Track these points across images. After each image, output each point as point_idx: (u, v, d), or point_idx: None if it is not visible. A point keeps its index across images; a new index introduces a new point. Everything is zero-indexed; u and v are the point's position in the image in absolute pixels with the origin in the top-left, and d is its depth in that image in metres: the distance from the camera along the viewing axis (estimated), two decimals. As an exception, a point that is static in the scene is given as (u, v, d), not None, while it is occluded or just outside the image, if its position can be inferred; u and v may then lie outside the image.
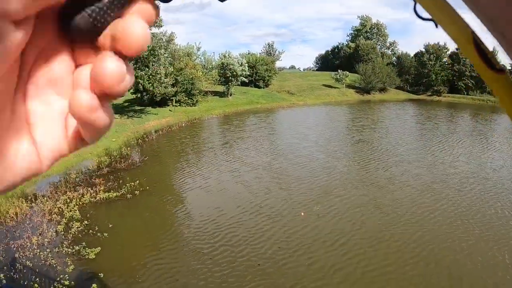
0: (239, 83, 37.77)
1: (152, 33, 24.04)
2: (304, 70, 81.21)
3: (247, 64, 39.20)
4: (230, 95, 35.92)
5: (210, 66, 36.27)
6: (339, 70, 48.54)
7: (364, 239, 8.62)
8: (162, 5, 0.28)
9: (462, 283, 7.14)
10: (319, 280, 7.08)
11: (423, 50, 59.35)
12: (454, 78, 58.34)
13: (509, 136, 23.97)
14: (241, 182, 12.50)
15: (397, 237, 8.78)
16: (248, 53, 48.46)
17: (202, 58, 37.62)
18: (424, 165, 15.50)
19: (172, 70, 26.92)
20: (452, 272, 7.47)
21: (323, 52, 78.64)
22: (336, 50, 72.75)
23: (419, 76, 57.03)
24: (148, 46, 0.23)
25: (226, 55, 37.78)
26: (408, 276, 7.32)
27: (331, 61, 70.97)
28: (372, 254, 8.00)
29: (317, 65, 78.84)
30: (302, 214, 9.01)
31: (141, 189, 11.64)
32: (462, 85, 58.40)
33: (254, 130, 21.51)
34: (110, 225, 9.15)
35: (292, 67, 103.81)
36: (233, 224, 9.32)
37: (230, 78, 35.56)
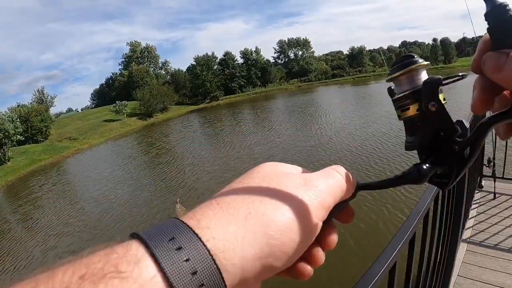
0: (15, 143, 30.90)
1: None
2: (82, 110, 74.79)
3: (18, 120, 32.69)
4: (8, 160, 28.35)
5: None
6: (117, 102, 46.08)
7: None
8: None
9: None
10: None
11: (194, 63, 62.47)
12: (227, 81, 63.95)
13: (279, 113, 29.39)
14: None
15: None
16: (18, 106, 41.96)
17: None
18: (216, 163, 15.32)
19: None
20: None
21: (98, 86, 74.52)
22: (110, 81, 69.78)
23: (195, 88, 59.78)
24: None
25: (-9, 114, 30.46)
26: None
27: (107, 94, 67.44)
28: None
29: (94, 102, 73.87)
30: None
31: None
32: (236, 85, 64.50)
33: (44, 193, 16.97)
34: None
35: (69, 109, 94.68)
36: None
37: (3, 140, 28.63)
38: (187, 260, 0.26)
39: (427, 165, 0.41)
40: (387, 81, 0.45)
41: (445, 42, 68.64)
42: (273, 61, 78.37)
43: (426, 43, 77.40)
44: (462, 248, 3.29)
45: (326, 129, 18.73)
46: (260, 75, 69.16)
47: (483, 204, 4.00)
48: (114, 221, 10.30)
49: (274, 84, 70.10)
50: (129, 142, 29.99)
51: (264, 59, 72.47)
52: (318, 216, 0.34)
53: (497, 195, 4.07)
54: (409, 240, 1.24)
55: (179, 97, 57.55)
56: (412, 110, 0.43)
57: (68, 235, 9.98)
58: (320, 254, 0.37)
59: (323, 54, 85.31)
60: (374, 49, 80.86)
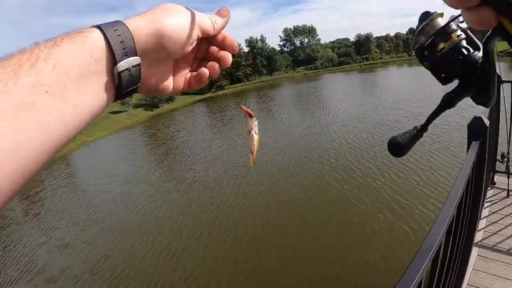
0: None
1: None
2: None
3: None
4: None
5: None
6: (121, 92, 45.65)
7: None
8: None
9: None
10: None
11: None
12: (232, 70, 62.90)
13: (280, 102, 29.00)
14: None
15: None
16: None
17: None
18: (211, 154, 14.90)
19: None
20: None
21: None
22: (114, 73, 69.48)
23: (200, 77, 59.07)
24: None
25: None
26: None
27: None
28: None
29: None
30: None
31: None
32: (241, 74, 63.99)
33: (45, 188, 16.52)
34: None
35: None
36: None
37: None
38: (118, 33, 0.43)
39: (465, 87, 0.56)
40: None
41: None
42: (279, 49, 77.40)
43: (434, 29, 75.20)
44: (473, 253, 2.90)
45: (323, 118, 18.44)
46: (266, 63, 68.48)
47: (496, 203, 3.59)
48: (109, 213, 10.06)
49: (280, 72, 69.42)
50: (133, 134, 29.68)
51: (270, 47, 71.71)
52: (194, 29, 0.51)
53: (510, 193, 3.67)
54: (432, 258, 1.13)
55: (183, 87, 56.93)
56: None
57: (59, 229, 9.76)
58: (215, 66, 0.58)
59: (330, 42, 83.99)
60: (381, 36, 79.55)
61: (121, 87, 0.45)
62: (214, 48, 0.59)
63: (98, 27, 0.43)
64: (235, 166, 12.06)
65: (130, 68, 0.45)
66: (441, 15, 0.57)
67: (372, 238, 6.23)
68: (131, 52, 0.44)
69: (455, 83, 0.59)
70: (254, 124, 0.76)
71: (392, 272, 5.15)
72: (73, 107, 0.38)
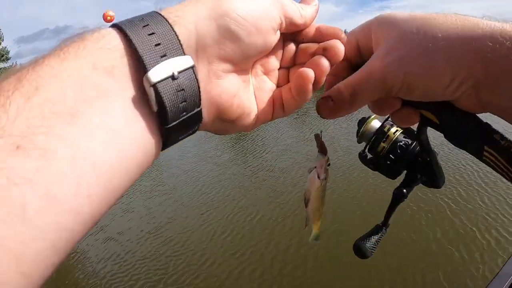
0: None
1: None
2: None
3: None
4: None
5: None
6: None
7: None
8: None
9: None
10: None
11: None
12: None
13: None
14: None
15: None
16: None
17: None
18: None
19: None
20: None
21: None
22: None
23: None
24: None
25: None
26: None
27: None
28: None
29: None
30: None
31: None
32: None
33: None
34: None
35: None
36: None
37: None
38: (145, 23, 0.27)
39: (412, 178, 0.55)
40: None
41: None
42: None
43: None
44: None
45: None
46: (349, 59, 67.70)
47: None
48: (175, 186, 10.39)
49: (364, 69, 68.04)
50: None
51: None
52: (275, 7, 0.34)
53: None
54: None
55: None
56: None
57: (126, 195, 10.30)
58: (322, 60, 0.36)
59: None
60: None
61: (166, 113, 0.26)
62: (307, 45, 0.39)
63: (115, 24, 0.27)
64: (306, 158, 11.74)
65: (175, 74, 0.26)
66: (376, 117, 0.58)
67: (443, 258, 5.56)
68: (173, 48, 0.26)
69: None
70: (322, 166, 0.55)
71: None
72: (71, 170, 0.21)
